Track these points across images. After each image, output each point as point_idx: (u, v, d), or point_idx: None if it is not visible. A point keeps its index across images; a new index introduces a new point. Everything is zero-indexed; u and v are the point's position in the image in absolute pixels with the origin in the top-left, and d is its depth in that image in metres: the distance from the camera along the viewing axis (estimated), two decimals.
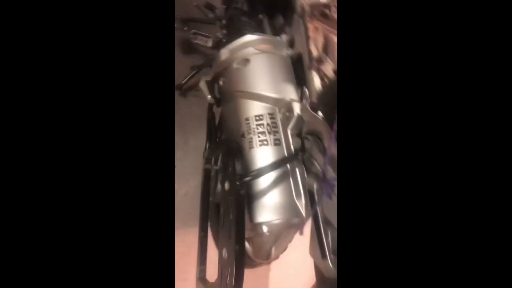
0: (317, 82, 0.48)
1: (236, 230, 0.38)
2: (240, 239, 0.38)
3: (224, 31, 0.73)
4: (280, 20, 0.66)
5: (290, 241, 0.48)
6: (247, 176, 0.41)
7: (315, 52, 0.52)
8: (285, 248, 0.49)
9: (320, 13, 0.57)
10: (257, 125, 0.46)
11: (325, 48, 0.54)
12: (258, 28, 0.66)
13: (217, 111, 0.58)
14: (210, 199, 0.50)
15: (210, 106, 0.58)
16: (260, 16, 0.67)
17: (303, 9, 0.56)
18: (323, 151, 0.44)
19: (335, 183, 0.41)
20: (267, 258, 0.46)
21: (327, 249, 0.43)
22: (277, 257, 0.48)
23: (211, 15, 0.77)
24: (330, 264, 0.42)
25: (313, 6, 0.56)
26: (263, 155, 0.44)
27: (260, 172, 0.43)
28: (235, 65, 0.50)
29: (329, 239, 0.43)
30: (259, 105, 0.47)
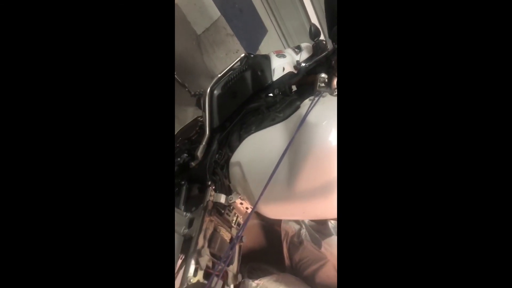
0: (191, 271, 0.67)
1: None
2: None
3: None
4: (195, 191, 0.88)
5: None
6: None
7: (200, 243, 0.72)
8: None
9: (217, 211, 0.80)
10: None
11: (210, 239, 0.76)
12: (177, 193, 0.86)
13: None
14: None
15: None
16: (182, 182, 0.88)
17: (208, 203, 0.78)
18: None
19: None
20: None
21: None
22: None
23: None
24: None
25: (215, 204, 0.79)
26: None
27: None
28: None
29: None
30: None
